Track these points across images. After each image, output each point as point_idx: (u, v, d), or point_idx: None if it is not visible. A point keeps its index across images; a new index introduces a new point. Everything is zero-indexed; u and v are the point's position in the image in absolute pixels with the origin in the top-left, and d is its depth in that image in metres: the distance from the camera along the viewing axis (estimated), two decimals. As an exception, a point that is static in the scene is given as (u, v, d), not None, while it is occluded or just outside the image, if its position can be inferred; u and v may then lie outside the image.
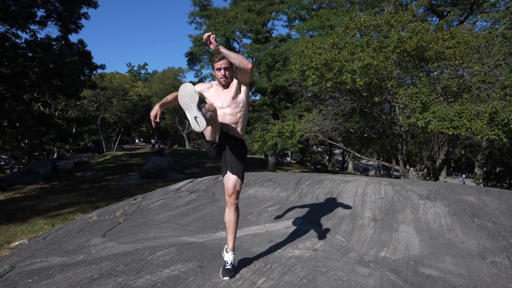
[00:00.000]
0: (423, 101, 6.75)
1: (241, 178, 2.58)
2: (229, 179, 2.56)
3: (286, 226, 3.84)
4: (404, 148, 9.39)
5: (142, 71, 60.60)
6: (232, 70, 2.54)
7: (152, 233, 3.99)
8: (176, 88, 41.79)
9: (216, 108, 2.43)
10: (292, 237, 3.40)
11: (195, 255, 3.00)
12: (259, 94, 18.71)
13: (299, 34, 18.73)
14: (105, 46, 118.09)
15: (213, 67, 2.54)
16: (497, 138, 6.15)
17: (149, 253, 3.19)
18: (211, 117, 2.15)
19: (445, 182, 9.80)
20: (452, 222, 3.56)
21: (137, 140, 42.85)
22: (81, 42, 14.62)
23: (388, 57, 7.29)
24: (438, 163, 9.02)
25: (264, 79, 15.94)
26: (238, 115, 2.54)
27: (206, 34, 2.19)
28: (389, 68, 7.61)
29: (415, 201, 4.20)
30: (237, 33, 16.70)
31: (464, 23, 12.91)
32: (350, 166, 42.26)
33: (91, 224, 4.97)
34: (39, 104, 17.30)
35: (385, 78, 7.67)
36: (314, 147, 37.32)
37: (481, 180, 27.90)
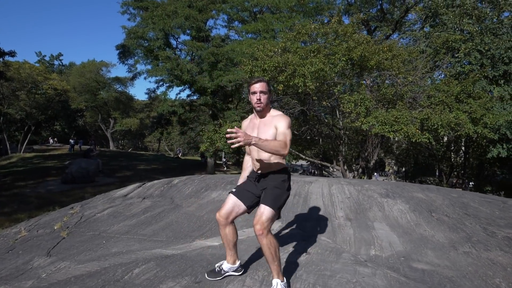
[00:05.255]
0: (367, 107, 7.39)
1: (273, 208, 2.21)
2: (258, 210, 2.24)
3: (266, 230, 3.72)
4: (344, 149, 10.14)
5: (56, 62, 53.32)
6: (270, 96, 2.31)
7: (115, 247, 3.46)
8: (99, 83, 38.07)
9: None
10: (278, 242, 3.30)
11: (183, 269, 2.68)
12: (198, 94, 18.15)
13: (238, 35, 18.81)
14: (6, 29, 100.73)
15: (248, 91, 2.31)
16: (427, 141, 7.11)
17: (123, 271, 2.74)
18: None
19: (376, 180, 10.90)
20: (416, 217, 3.90)
21: (51, 140, 37.57)
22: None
23: (336, 64, 7.79)
24: (372, 163, 9.99)
25: (206, 79, 15.52)
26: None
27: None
28: (333, 75, 8.13)
29: (378, 199, 4.51)
30: (177, 29, 15.92)
31: (390, 38, 14.66)
32: (281, 166, 43.91)
33: (21, 241, 4.11)
34: None
35: (332, 83, 8.18)
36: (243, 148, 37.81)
37: (392, 177, 31.93)
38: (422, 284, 2.35)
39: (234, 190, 2.49)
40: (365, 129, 7.54)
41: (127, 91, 42.85)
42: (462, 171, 12.28)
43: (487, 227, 3.75)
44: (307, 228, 3.71)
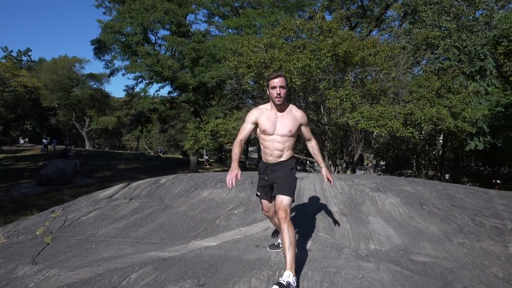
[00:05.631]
0: (353, 102, 7.49)
1: (290, 195, 2.45)
2: (277, 199, 2.45)
3: (263, 228, 3.69)
4: (328, 144, 10.27)
5: (24, 58, 50.41)
6: (287, 90, 2.52)
7: (106, 251, 3.30)
8: (72, 80, 36.48)
9: (266, 133, 2.52)
10: (277, 240, 3.27)
11: (184, 272, 2.59)
12: (179, 91, 17.77)
13: (219, 30, 18.57)
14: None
15: (267, 85, 2.47)
16: (411, 135, 7.32)
17: (119, 277, 2.62)
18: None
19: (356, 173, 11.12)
20: (408, 210, 3.98)
21: (22, 141, 35.66)
22: None
23: (322, 60, 7.83)
24: (355, 158, 10.18)
25: (188, 75, 15.19)
26: (287, 143, 2.54)
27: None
28: (318, 70, 8.18)
29: (370, 193, 4.57)
30: (157, 23, 15.45)
31: (370, 34, 14.96)
32: (263, 163, 44.14)
33: (0, 248, 3.86)
34: None
35: (318, 79, 8.24)
36: (228, 146, 37.65)
37: (371, 171, 32.82)
38: (426, 277, 2.38)
39: (259, 193, 2.76)
40: (351, 125, 7.66)
41: (103, 88, 41.40)
42: (440, 164, 12.79)
43: (474, 217, 3.89)
44: (304, 224, 3.70)
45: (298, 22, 8.85)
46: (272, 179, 2.53)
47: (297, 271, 2.50)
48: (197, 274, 2.55)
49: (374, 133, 12.95)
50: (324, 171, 2.62)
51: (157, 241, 3.53)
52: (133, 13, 14.94)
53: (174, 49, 16.48)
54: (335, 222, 3.68)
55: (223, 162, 29.28)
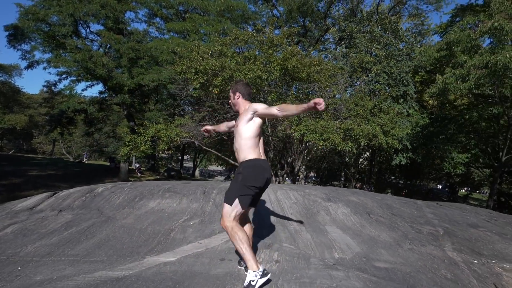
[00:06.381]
0: (299, 116, 7.83)
1: (228, 202, 2.43)
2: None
3: (224, 240, 3.50)
4: (271, 155, 10.49)
5: None
6: (235, 96, 2.65)
7: (38, 274, 2.75)
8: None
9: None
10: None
11: (147, 294, 2.28)
12: (112, 91, 16.33)
13: (159, 32, 17.83)
14: None
15: None
16: (350, 149, 7.93)
17: (64, 306, 2.19)
18: None
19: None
20: (359, 219, 4.23)
21: None
22: None
23: (272, 73, 8.03)
24: (296, 169, 10.59)
25: (125, 75, 14.06)
26: (238, 142, 2.54)
27: None
28: (265, 83, 8.38)
29: (322, 203, 4.74)
30: (91, 17, 14.04)
31: (311, 54, 15.97)
32: (197, 172, 43.24)
33: None
34: None
35: (267, 91, 8.41)
36: (159, 153, 35.89)
37: (303, 182, 34.47)
38: (392, 282, 2.52)
39: None
40: (297, 137, 7.97)
41: (12, 81, 35.85)
42: (368, 176, 14.14)
43: (413, 225, 4.31)
44: (265, 235, 3.63)
45: (250, 33, 9.00)
46: None
47: (272, 283, 2.42)
48: (162, 294, 2.27)
49: (307, 145, 13.73)
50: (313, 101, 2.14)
51: (103, 259, 3.08)
52: (63, 1, 13.38)
53: (109, 46, 15.17)
54: (296, 232, 3.71)
55: (156, 170, 27.69)
